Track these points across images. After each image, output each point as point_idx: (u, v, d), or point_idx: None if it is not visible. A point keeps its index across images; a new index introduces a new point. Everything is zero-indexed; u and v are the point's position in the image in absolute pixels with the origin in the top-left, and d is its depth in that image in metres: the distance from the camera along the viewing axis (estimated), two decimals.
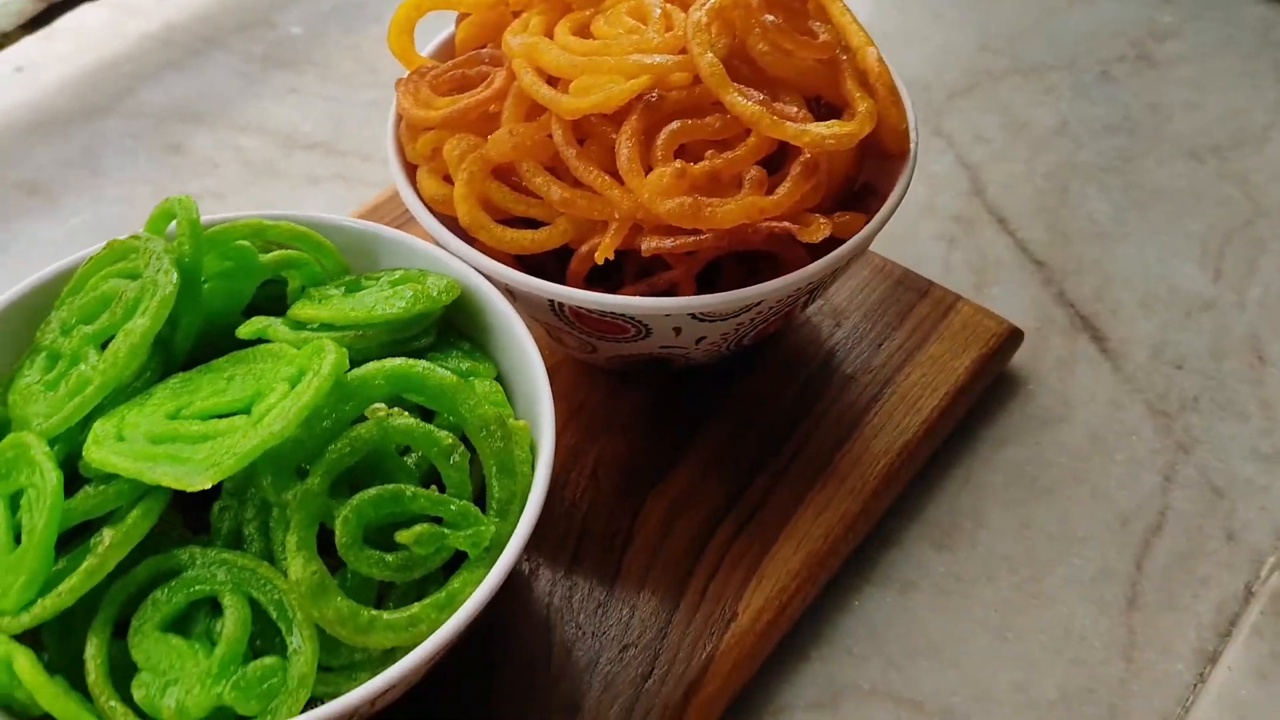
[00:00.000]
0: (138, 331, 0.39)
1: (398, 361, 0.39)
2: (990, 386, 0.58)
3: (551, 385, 0.41)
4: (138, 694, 0.35)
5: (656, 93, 0.45)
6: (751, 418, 0.54)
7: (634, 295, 0.45)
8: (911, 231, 0.67)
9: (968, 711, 0.48)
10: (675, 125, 0.45)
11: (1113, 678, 0.49)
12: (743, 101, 0.44)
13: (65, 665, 0.37)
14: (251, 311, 0.44)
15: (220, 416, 0.38)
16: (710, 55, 0.44)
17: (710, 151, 0.45)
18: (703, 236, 0.43)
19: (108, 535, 0.36)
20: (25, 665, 0.35)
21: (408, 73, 0.51)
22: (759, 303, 0.45)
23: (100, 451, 0.36)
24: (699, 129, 0.45)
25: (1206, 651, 0.49)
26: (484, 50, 0.51)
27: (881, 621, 0.50)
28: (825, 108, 0.49)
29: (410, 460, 0.40)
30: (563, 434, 0.53)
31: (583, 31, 0.48)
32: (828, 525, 0.50)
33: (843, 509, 0.51)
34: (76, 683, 0.36)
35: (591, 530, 0.50)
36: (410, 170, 0.50)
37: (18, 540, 0.37)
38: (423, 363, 0.39)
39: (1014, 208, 0.69)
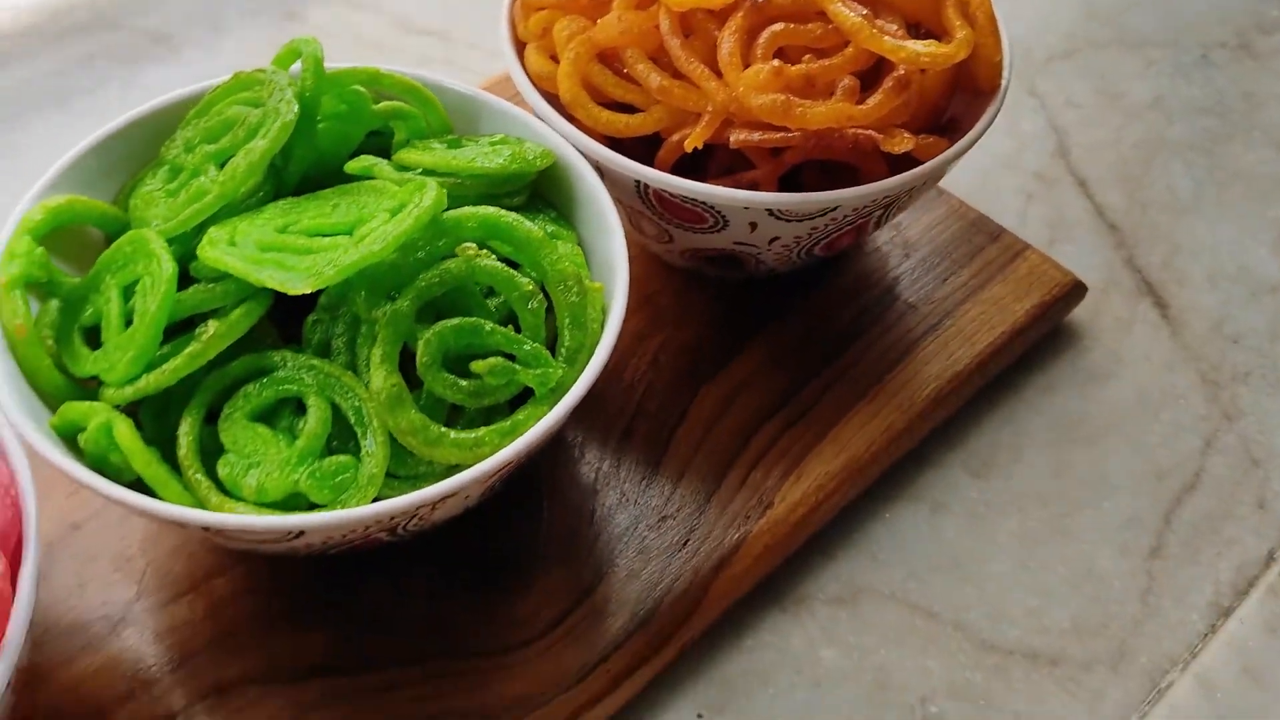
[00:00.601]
0: (257, 152, 0.42)
1: (490, 209, 0.42)
2: (1047, 335, 0.60)
3: None
4: (222, 471, 0.39)
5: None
6: (811, 328, 0.56)
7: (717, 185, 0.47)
8: (992, 183, 0.68)
9: (980, 627, 0.50)
10: (778, 27, 0.46)
11: (1126, 617, 0.50)
12: (845, 12, 0.46)
13: (158, 443, 0.40)
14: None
15: (324, 236, 0.41)
16: None
17: (808, 56, 0.46)
18: (790, 134, 0.45)
19: (213, 326, 0.39)
20: (124, 432, 0.38)
21: None
22: (835, 208, 0.47)
23: (213, 251, 0.40)
24: (800, 34, 0.47)
25: (1221, 606, 0.51)
26: None
27: (909, 535, 0.53)
28: (925, 34, 0.50)
29: (491, 304, 0.42)
30: (629, 319, 0.55)
31: None
32: (871, 436, 0.52)
33: (887, 423, 0.53)
34: (167, 459, 0.39)
35: (646, 409, 0.53)
36: (519, 47, 0.52)
37: (128, 325, 0.40)
38: (513, 214, 0.42)
39: (1096, 173, 0.69)
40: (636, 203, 0.50)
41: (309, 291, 0.38)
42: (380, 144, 0.49)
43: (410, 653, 0.45)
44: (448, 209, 0.42)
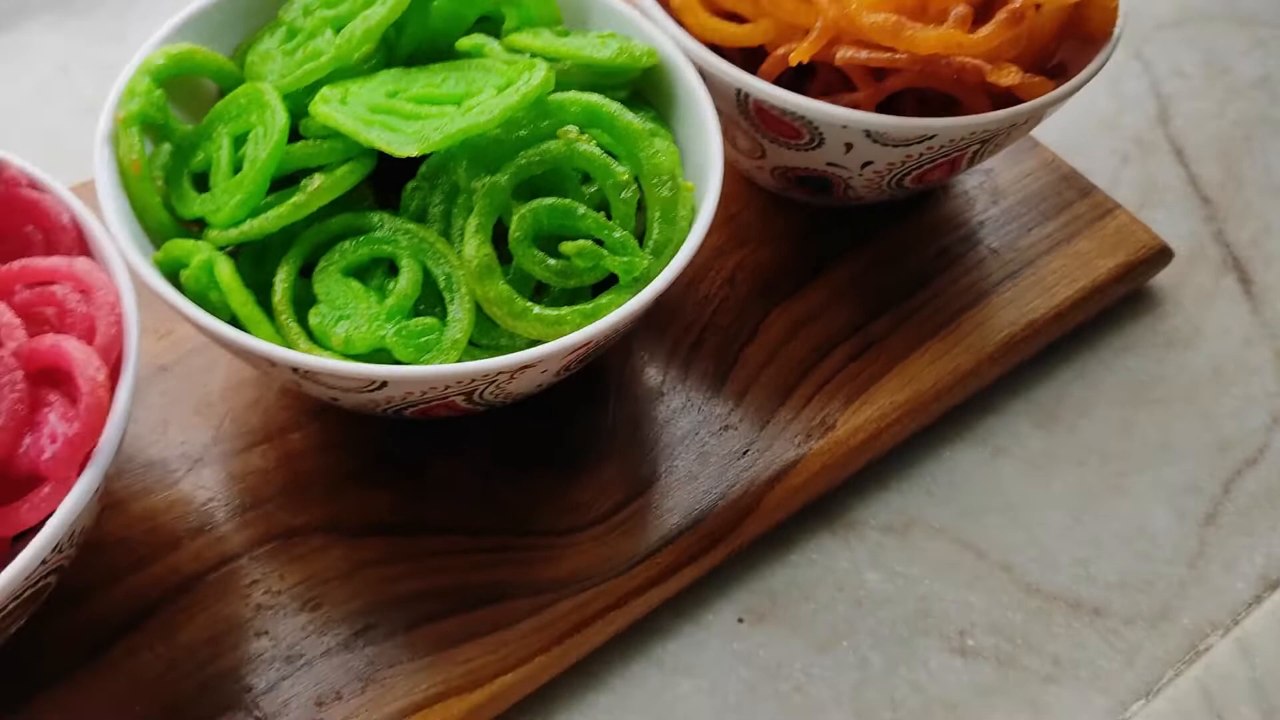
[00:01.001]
0: (374, 19, 0.43)
1: (595, 97, 0.42)
2: (1127, 297, 0.59)
3: None
4: (313, 320, 0.40)
5: None
6: (890, 262, 0.56)
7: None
8: (1089, 142, 0.67)
9: (1026, 570, 0.50)
10: None
11: (1173, 578, 0.50)
12: None
13: (254, 289, 0.41)
14: None
15: (432, 105, 0.41)
16: None
17: None
18: (898, 57, 0.45)
19: (318, 180, 0.40)
20: (225, 271, 0.39)
21: None
22: (932, 136, 0.47)
23: (325, 109, 0.41)
24: None
25: (1270, 579, 0.51)
26: None
27: (966, 474, 0.53)
28: None
29: (585, 190, 0.43)
30: (710, 235, 0.56)
31: None
32: (938, 374, 0.53)
33: (956, 363, 0.53)
34: (261, 304, 0.41)
35: (717, 323, 0.53)
36: None
37: (237, 173, 0.42)
38: (616, 104, 0.43)
39: (1194, 144, 0.68)
40: (734, 112, 0.50)
41: (415, 155, 0.39)
42: (489, 29, 0.49)
43: (468, 524, 0.46)
44: (553, 93, 0.42)
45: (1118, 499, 0.53)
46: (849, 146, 0.48)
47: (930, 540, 0.51)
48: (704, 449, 0.49)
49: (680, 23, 0.49)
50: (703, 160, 0.45)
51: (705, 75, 0.48)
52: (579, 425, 0.50)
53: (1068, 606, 0.49)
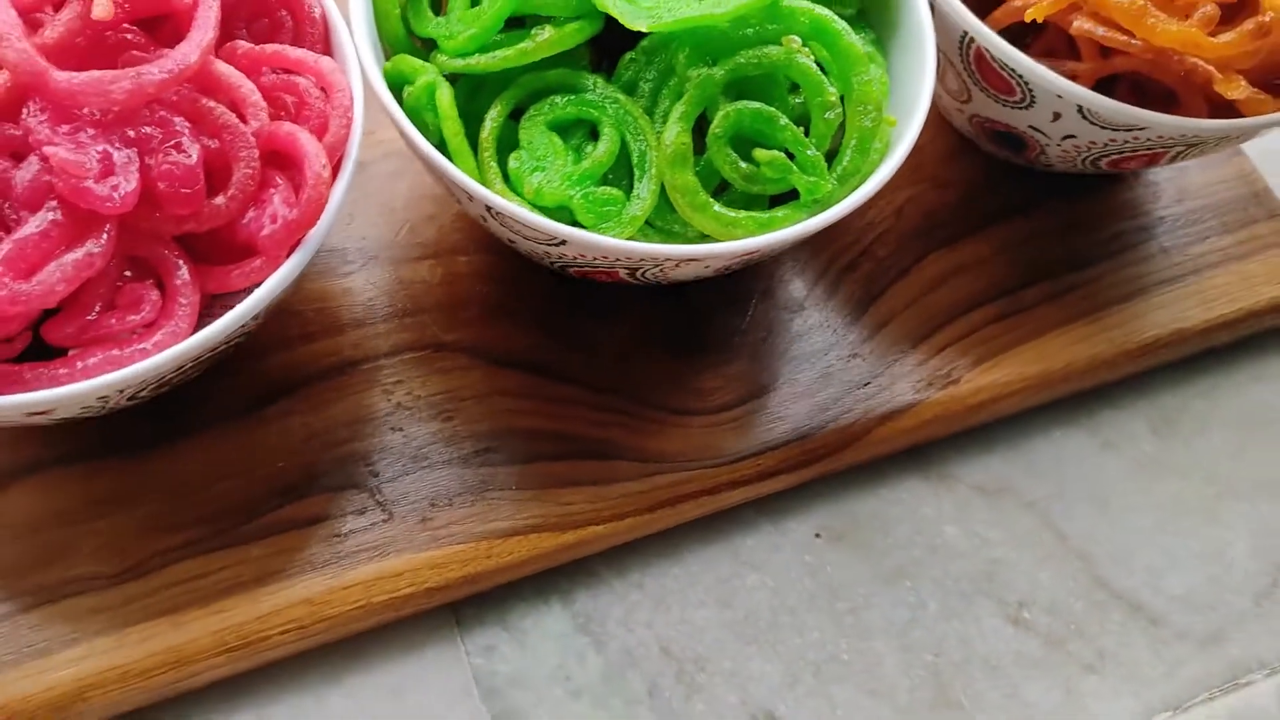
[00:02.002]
0: None
1: (825, 11, 0.43)
2: (1277, 328, 0.59)
3: None
4: (511, 165, 0.42)
5: None
6: (1059, 234, 0.56)
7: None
8: None
9: (1100, 563, 0.52)
10: None
11: (1235, 608, 0.52)
12: None
13: (465, 117, 0.44)
14: None
15: None
16: None
17: None
18: (1133, 42, 0.45)
19: (548, 31, 0.42)
20: (444, 97, 0.42)
21: None
22: (1143, 129, 0.47)
23: None
24: None
25: None
26: None
27: (1071, 458, 0.54)
28: None
29: (790, 99, 0.44)
30: None
31: None
32: (1073, 357, 0.53)
33: (1094, 351, 0.54)
34: (468, 135, 0.43)
35: (874, 253, 0.55)
36: None
37: (473, 4, 0.44)
38: (843, 23, 0.43)
39: None
40: (954, 52, 0.50)
41: (645, 30, 0.40)
42: None
43: (597, 382, 0.49)
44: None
45: (1208, 520, 0.54)
46: (1057, 115, 0.48)
47: (1018, 511, 0.53)
48: (829, 370, 0.51)
49: None
50: (912, 97, 0.46)
51: (935, 8, 0.48)
52: (718, 317, 0.52)
53: (1128, 607, 0.51)
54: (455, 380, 0.48)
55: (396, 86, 0.44)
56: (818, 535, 0.51)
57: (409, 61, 0.43)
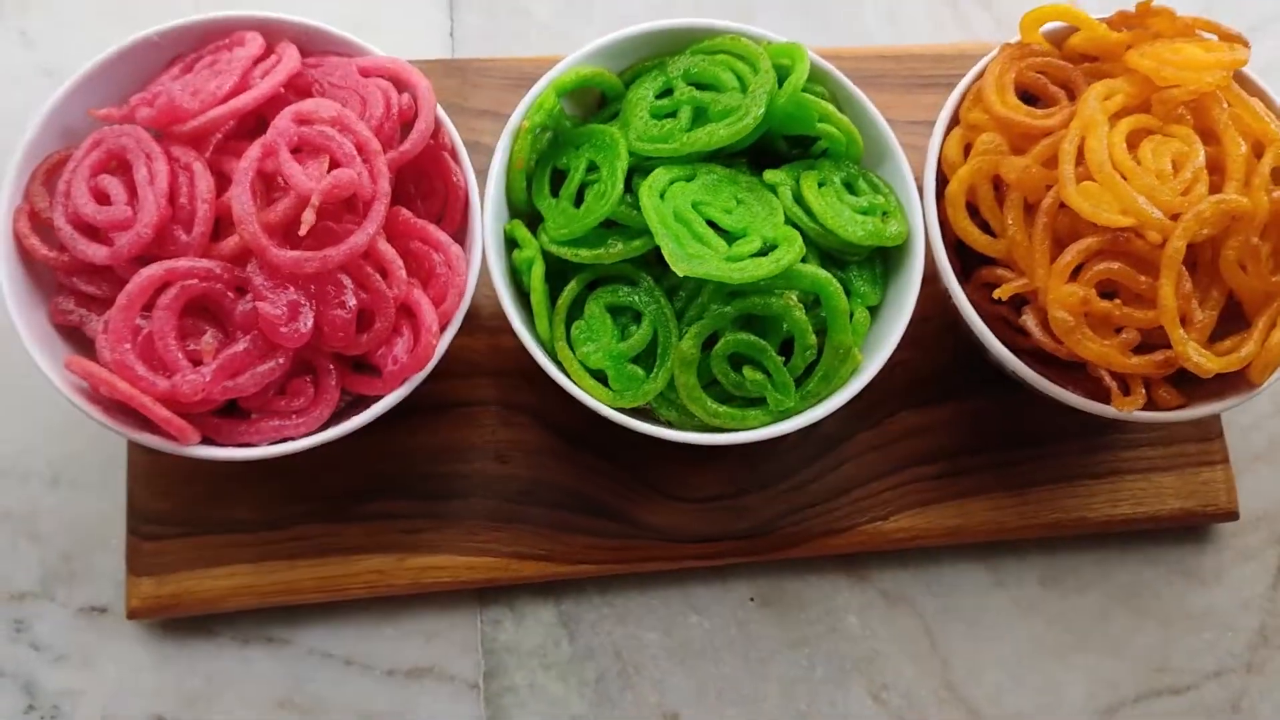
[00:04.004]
0: (717, 136, 0.57)
1: (824, 274, 0.57)
2: (1193, 539, 0.72)
3: None
4: (574, 331, 0.59)
5: (1128, 235, 0.56)
6: (1011, 418, 0.70)
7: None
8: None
9: (956, 671, 0.69)
10: (1114, 266, 0.57)
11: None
12: (1168, 292, 0.55)
13: (550, 275, 0.60)
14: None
15: (715, 228, 0.57)
16: (1180, 244, 0.55)
17: (1118, 302, 0.57)
18: (1059, 348, 0.58)
19: (619, 245, 0.57)
20: (537, 272, 0.58)
21: (1015, 42, 0.62)
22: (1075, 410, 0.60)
23: (649, 199, 0.57)
24: (1125, 276, 0.57)
25: None
26: (1077, 67, 0.62)
27: (964, 586, 0.70)
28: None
29: (783, 325, 0.59)
30: None
31: (1135, 137, 0.58)
32: (985, 519, 0.68)
33: (1003, 519, 0.69)
34: (551, 291, 0.60)
35: (851, 405, 0.69)
36: (950, 124, 0.63)
37: (578, 200, 0.59)
38: (837, 285, 0.57)
39: None
40: (946, 299, 0.63)
41: (681, 274, 0.55)
42: (812, 140, 0.62)
43: (620, 461, 0.67)
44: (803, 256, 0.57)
45: (1056, 661, 0.69)
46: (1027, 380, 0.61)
47: (907, 616, 0.70)
48: (793, 487, 0.68)
49: (941, 210, 0.61)
50: (888, 330, 0.60)
51: (936, 261, 0.61)
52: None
53: (968, 711, 0.68)
54: (517, 434, 0.67)
55: (508, 241, 0.60)
56: (751, 599, 0.69)
57: (522, 230, 0.59)
